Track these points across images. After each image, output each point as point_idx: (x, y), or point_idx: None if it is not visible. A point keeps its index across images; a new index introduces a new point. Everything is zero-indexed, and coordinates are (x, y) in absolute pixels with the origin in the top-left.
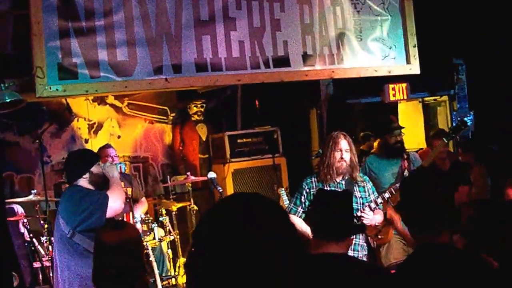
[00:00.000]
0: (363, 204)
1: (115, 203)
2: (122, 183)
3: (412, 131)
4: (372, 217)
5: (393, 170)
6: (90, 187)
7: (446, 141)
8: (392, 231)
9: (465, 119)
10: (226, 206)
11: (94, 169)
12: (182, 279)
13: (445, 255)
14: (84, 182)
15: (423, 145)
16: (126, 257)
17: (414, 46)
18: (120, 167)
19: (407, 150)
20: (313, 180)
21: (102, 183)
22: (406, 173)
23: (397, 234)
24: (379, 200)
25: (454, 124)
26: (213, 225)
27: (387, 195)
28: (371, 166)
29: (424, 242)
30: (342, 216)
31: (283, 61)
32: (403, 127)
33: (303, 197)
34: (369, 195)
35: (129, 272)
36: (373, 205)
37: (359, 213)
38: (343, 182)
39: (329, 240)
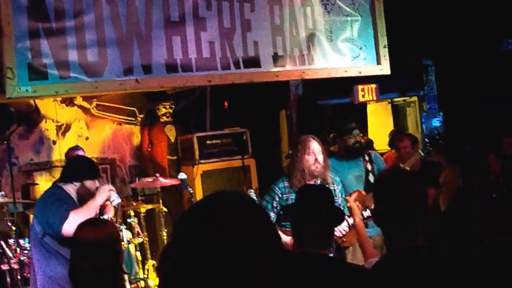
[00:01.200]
0: None
1: (70, 225)
2: None
3: (382, 132)
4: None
5: (355, 173)
6: (74, 196)
7: (422, 154)
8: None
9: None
10: (204, 205)
11: (88, 183)
12: (151, 282)
13: (423, 257)
14: (71, 188)
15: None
16: (103, 254)
17: (385, 47)
18: (113, 200)
19: (370, 151)
20: (285, 184)
21: (86, 198)
22: (370, 175)
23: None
24: (350, 221)
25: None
26: (190, 225)
27: (351, 220)
28: (333, 170)
29: (401, 244)
30: (330, 227)
31: (253, 62)
32: (358, 128)
33: (275, 202)
34: (338, 198)
35: (106, 269)
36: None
37: None
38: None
39: (315, 248)
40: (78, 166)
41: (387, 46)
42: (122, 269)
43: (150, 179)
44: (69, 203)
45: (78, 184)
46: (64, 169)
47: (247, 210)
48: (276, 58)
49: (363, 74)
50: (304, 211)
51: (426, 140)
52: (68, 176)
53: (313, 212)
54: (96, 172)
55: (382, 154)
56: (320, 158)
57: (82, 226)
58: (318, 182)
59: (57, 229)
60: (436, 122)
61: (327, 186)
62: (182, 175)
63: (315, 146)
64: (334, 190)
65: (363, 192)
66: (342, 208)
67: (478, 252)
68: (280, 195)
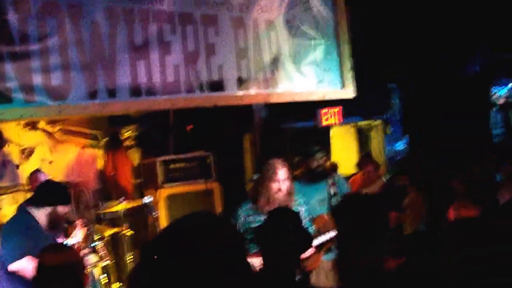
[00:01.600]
0: None
1: (19, 267)
2: None
3: (346, 155)
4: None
5: (319, 196)
6: (43, 221)
7: (384, 180)
8: (321, 258)
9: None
10: (173, 228)
11: (60, 208)
12: None
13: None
14: (42, 213)
15: (357, 169)
16: (65, 280)
17: (349, 70)
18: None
19: (334, 174)
20: (249, 207)
21: (56, 224)
22: (333, 199)
23: (327, 260)
24: (315, 242)
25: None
26: (159, 247)
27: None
28: (297, 193)
29: (369, 261)
30: (299, 250)
31: (217, 85)
32: (321, 150)
33: (238, 225)
34: (303, 219)
35: None
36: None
37: None
38: None
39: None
40: (51, 191)
41: (352, 69)
42: None
43: (114, 203)
44: (33, 238)
45: (49, 208)
46: (36, 193)
47: (215, 231)
48: (240, 81)
49: (327, 97)
50: (273, 232)
51: (389, 166)
52: (40, 200)
53: (282, 233)
54: (68, 198)
55: (347, 177)
56: (284, 186)
57: (44, 251)
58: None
59: (6, 262)
60: (400, 146)
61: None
62: (148, 199)
63: (281, 174)
64: (299, 212)
65: (325, 216)
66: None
67: (449, 265)
68: (244, 218)
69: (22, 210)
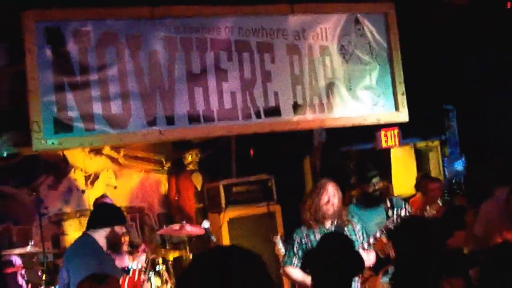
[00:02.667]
0: (356, 247)
1: None
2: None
3: (405, 176)
4: (367, 258)
5: (377, 219)
6: (102, 243)
7: (440, 204)
8: (379, 281)
9: (454, 185)
10: (204, 261)
11: (117, 228)
12: None
13: None
14: (100, 235)
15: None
16: None
17: (403, 94)
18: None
19: (393, 196)
20: (302, 229)
21: (115, 244)
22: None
23: (385, 282)
24: (371, 240)
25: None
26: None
27: (378, 233)
28: (355, 216)
29: None
30: (350, 276)
31: (274, 111)
32: (378, 174)
33: (295, 248)
34: (359, 236)
35: None
36: (366, 245)
37: None
38: (333, 228)
39: None
40: (106, 212)
41: (405, 93)
42: None
43: (177, 227)
44: (97, 258)
45: (108, 229)
46: (92, 216)
47: (240, 267)
48: (296, 107)
49: (381, 121)
50: (321, 261)
51: (445, 191)
52: (97, 222)
53: (333, 258)
54: (123, 218)
55: (405, 198)
56: (335, 200)
57: (83, 282)
58: (334, 224)
59: (74, 282)
60: (458, 166)
61: (346, 231)
62: (206, 224)
63: (330, 189)
64: (354, 229)
65: (384, 240)
66: (363, 249)
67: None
68: (299, 241)
69: (83, 234)
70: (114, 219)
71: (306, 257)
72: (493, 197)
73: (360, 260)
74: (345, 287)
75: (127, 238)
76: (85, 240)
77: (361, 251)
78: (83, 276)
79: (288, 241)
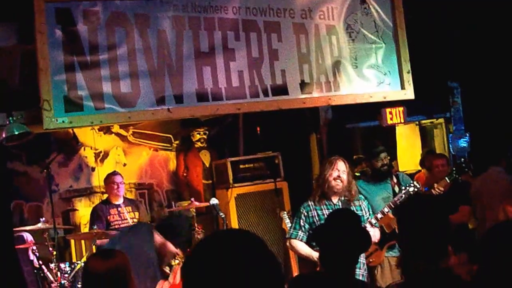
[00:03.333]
0: (362, 222)
1: None
2: (130, 207)
3: (410, 153)
4: (373, 234)
5: (383, 194)
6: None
7: (448, 181)
8: (383, 255)
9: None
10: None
11: (172, 248)
12: None
13: (443, 282)
14: (157, 239)
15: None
16: (112, 285)
17: (408, 72)
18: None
19: (399, 172)
20: (310, 203)
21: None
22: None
23: (390, 256)
24: (379, 215)
25: (458, 162)
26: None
27: (386, 209)
28: (362, 191)
29: (421, 268)
30: (357, 252)
31: (281, 90)
32: (385, 150)
33: (301, 221)
34: (365, 213)
35: None
36: (373, 220)
37: None
38: (340, 203)
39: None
40: (181, 232)
41: (410, 71)
42: None
43: (185, 203)
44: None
45: (162, 240)
46: (168, 225)
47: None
48: (303, 85)
49: (388, 99)
50: (332, 233)
51: (453, 168)
52: (168, 234)
53: (341, 234)
54: (186, 246)
55: (411, 175)
56: (344, 176)
57: (91, 258)
58: (342, 199)
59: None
60: (463, 143)
61: (352, 206)
62: (214, 200)
63: (340, 165)
64: (360, 205)
65: (390, 215)
66: (371, 225)
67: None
68: (305, 214)
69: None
70: (181, 241)
71: (315, 233)
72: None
73: (368, 236)
74: (352, 262)
75: (137, 215)
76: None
77: (368, 227)
78: None
79: (295, 214)
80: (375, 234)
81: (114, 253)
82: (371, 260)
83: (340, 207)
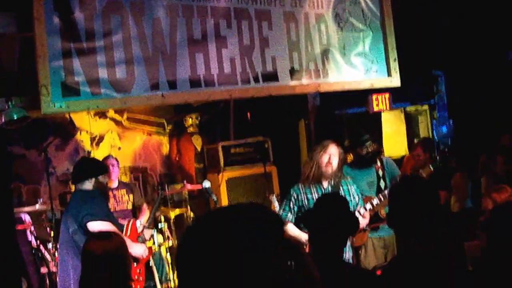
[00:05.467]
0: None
1: (95, 226)
2: (125, 190)
3: (395, 139)
4: (362, 221)
5: (368, 179)
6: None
7: (431, 169)
8: (367, 235)
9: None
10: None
11: (101, 178)
12: None
13: (431, 262)
14: (87, 186)
15: (406, 152)
16: (111, 266)
17: (395, 60)
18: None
19: (383, 156)
20: (300, 186)
21: (103, 192)
22: (381, 181)
23: (373, 237)
24: (368, 206)
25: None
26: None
27: (375, 201)
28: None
29: (412, 247)
30: (345, 235)
31: (271, 76)
32: (370, 138)
33: (291, 203)
34: (354, 197)
35: (113, 280)
36: (362, 210)
37: None
38: (330, 187)
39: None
40: (87, 166)
41: (397, 59)
42: (129, 279)
43: (178, 186)
44: (106, 204)
45: (92, 180)
46: (75, 171)
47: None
48: (293, 72)
49: (375, 86)
50: (320, 221)
51: (437, 157)
52: (83, 175)
53: (329, 218)
54: (104, 167)
55: (396, 160)
56: (335, 161)
57: (90, 239)
58: (331, 184)
59: (83, 221)
60: (446, 129)
61: (341, 190)
62: (206, 183)
63: (333, 149)
64: (349, 190)
65: (374, 198)
66: (359, 214)
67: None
68: (295, 196)
69: (77, 189)
70: (96, 170)
71: (304, 216)
72: None
73: (355, 220)
74: (340, 245)
75: (131, 198)
76: (84, 192)
77: (357, 215)
78: (100, 217)
79: (285, 197)
80: (363, 222)
81: (112, 235)
82: (354, 240)
83: (330, 190)
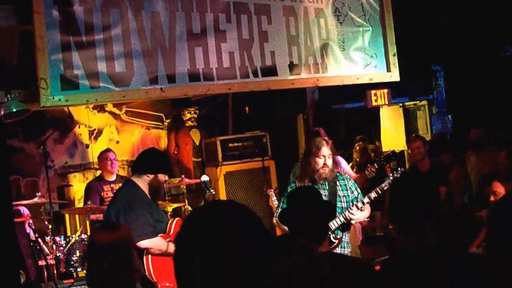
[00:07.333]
0: (348, 202)
1: (146, 245)
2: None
3: (394, 134)
4: (360, 215)
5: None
6: (145, 189)
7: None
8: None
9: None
10: (201, 217)
11: (161, 176)
12: None
13: (428, 257)
14: (144, 181)
15: (404, 147)
16: (117, 257)
17: (394, 55)
18: None
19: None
20: (296, 184)
21: (156, 192)
22: None
23: None
24: (366, 200)
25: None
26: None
27: (373, 194)
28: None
29: (411, 242)
30: (323, 223)
31: (270, 71)
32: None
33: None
34: (352, 192)
35: (120, 270)
36: (360, 204)
37: (346, 213)
38: (326, 184)
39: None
40: (153, 159)
41: (396, 54)
42: (135, 270)
43: (176, 180)
44: (149, 211)
45: (151, 176)
46: (139, 161)
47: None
48: (292, 66)
49: (374, 81)
50: (294, 215)
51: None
52: (143, 168)
53: (303, 214)
54: (169, 167)
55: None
56: (329, 162)
57: (97, 230)
58: (327, 181)
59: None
60: (444, 124)
61: (338, 186)
62: (205, 177)
63: (325, 150)
64: (346, 185)
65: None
66: (357, 208)
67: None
68: None
69: (130, 182)
70: (160, 166)
71: (280, 216)
72: None
73: (329, 206)
74: (321, 231)
75: None
76: (133, 192)
77: (354, 209)
78: (149, 234)
79: (281, 195)
80: (364, 213)
81: (118, 225)
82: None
83: (327, 187)
